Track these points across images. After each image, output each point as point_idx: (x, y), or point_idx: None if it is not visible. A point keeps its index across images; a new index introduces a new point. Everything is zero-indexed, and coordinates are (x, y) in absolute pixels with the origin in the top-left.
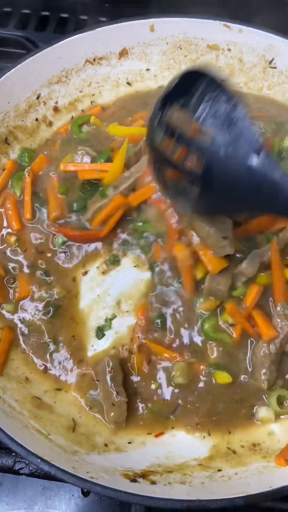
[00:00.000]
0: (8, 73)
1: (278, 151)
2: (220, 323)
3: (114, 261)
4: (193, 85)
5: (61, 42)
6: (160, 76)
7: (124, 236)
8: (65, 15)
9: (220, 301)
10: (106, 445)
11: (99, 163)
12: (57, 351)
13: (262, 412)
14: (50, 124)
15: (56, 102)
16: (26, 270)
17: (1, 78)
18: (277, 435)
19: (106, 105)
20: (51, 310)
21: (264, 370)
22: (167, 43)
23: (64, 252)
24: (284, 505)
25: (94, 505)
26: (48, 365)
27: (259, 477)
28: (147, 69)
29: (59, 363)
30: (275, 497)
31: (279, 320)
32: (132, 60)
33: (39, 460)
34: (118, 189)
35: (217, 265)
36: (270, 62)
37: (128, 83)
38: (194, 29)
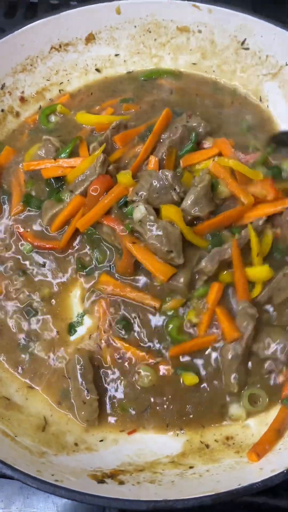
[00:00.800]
0: None
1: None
2: (184, 322)
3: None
4: None
5: (23, 28)
6: (130, 61)
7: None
8: (34, 0)
9: (185, 300)
10: (76, 444)
11: (63, 159)
12: (32, 348)
13: (234, 409)
14: (17, 114)
15: (23, 92)
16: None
17: None
18: (251, 429)
19: (74, 93)
20: (31, 310)
21: (234, 375)
22: (135, 26)
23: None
24: (259, 499)
25: (72, 503)
26: (22, 365)
27: (230, 474)
28: (116, 55)
29: (33, 361)
30: (243, 494)
31: (242, 320)
32: (100, 45)
33: (1, 464)
34: (73, 193)
35: (165, 272)
36: (243, 43)
37: (97, 70)
38: (162, 10)
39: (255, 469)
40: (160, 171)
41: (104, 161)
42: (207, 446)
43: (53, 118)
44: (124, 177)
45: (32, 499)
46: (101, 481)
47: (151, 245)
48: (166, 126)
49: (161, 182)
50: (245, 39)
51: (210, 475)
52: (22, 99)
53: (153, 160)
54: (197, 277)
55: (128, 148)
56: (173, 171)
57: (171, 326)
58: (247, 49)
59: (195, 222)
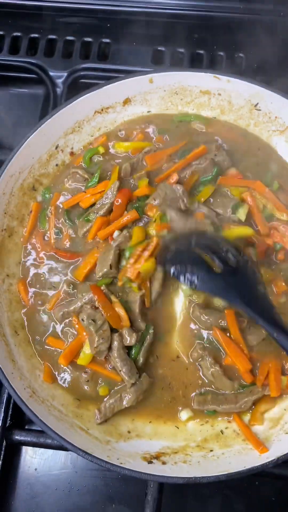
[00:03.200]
0: (31, 136)
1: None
2: None
3: None
4: None
5: (73, 102)
6: None
7: None
8: (71, 38)
9: None
10: (129, 432)
11: (93, 189)
12: None
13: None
14: (68, 166)
15: (72, 148)
16: None
17: (25, 143)
18: None
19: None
20: None
21: None
22: (165, 90)
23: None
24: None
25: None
26: None
27: (238, 457)
28: (148, 111)
29: None
30: (247, 474)
31: None
32: (134, 105)
33: (85, 453)
34: (98, 213)
35: None
36: (256, 105)
37: None
38: (188, 79)
39: (256, 455)
40: (173, 185)
41: (119, 187)
42: (222, 432)
43: (96, 159)
44: (143, 182)
45: None
46: (150, 462)
47: None
48: (197, 157)
49: (173, 194)
50: (258, 103)
51: (225, 457)
52: (72, 154)
53: (174, 177)
54: None
55: (157, 166)
56: (183, 186)
57: None
58: (259, 110)
59: None
